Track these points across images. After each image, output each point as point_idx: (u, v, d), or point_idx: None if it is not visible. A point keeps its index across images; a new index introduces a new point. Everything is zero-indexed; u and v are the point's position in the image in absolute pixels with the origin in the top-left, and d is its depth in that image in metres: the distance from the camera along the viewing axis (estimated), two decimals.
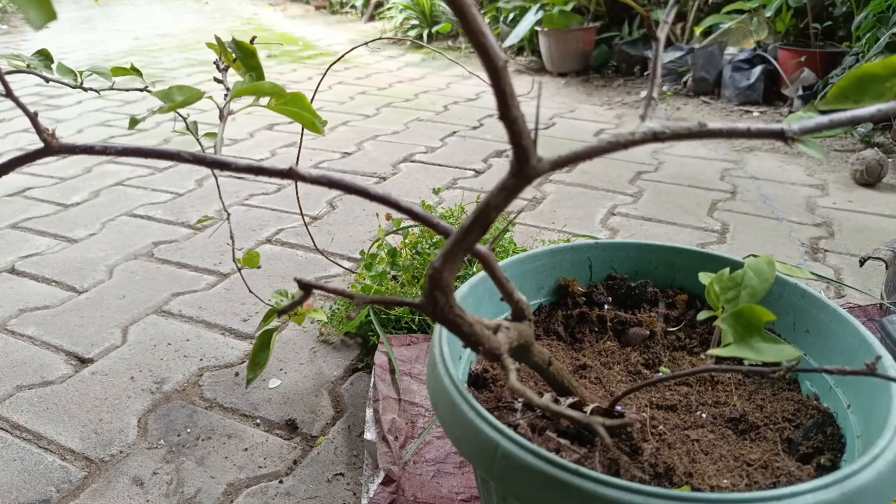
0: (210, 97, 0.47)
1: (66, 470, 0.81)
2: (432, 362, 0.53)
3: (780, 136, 0.39)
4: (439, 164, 1.88)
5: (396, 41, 3.93)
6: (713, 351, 0.42)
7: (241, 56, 0.49)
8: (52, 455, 0.83)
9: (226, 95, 0.47)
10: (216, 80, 0.50)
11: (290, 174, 0.42)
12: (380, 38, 0.54)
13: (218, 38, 0.50)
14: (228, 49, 0.49)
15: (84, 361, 1.02)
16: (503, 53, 0.28)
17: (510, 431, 0.44)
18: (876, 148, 1.79)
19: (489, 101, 2.60)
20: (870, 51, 1.96)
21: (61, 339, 1.08)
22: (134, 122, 0.44)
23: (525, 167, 0.34)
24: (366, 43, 0.53)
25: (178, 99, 0.45)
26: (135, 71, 0.46)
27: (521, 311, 0.48)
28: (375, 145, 2.07)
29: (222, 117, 0.46)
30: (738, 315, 0.42)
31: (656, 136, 0.36)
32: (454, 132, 2.19)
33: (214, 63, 0.51)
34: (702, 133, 0.38)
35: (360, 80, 3.03)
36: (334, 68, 3.16)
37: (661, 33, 0.41)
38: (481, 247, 0.46)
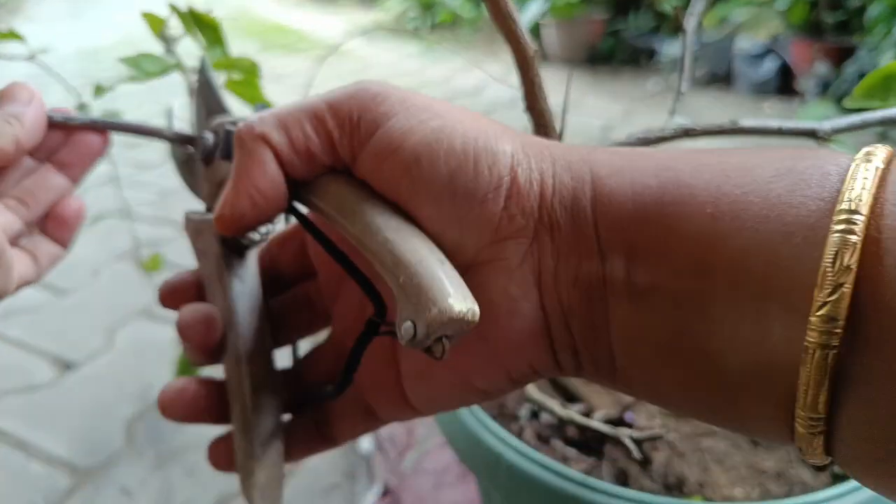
0: (182, 69, 0.44)
1: (52, 478, 0.78)
2: None
3: (812, 134, 0.38)
4: None
5: (395, 32, 3.89)
6: None
7: (200, 28, 0.45)
8: (37, 463, 0.80)
9: (194, 70, 0.43)
10: (167, 51, 0.46)
11: None
12: (378, 30, 0.51)
13: (172, 5, 0.45)
14: (185, 17, 0.45)
15: (69, 366, 0.99)
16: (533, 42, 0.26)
17: (515, 441, 0.42)
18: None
19: (492, 94, 2.56)
20: (883, 43, 1.92)
21: (46, 344, 1.05)
22: (100, 89, 0.41)
23: None
24: (363, 34, 0.49)
25: (149, 69, 0.42)
26: (14, 35, 0.43)
27: None
28: None
29: (192, 94, 0.42)
30: None
31: (687, 133, 0.35)
32: None
33: (161, 35, 0.47)
34: (734, 130, 0.36)
35: (357, 72, 2.99)
36: (330, 60, 3.13)
37: (688, 25, 0.38)
38: None
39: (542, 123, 0.28)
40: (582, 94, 2.58)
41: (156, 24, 0.43)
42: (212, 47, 0.39)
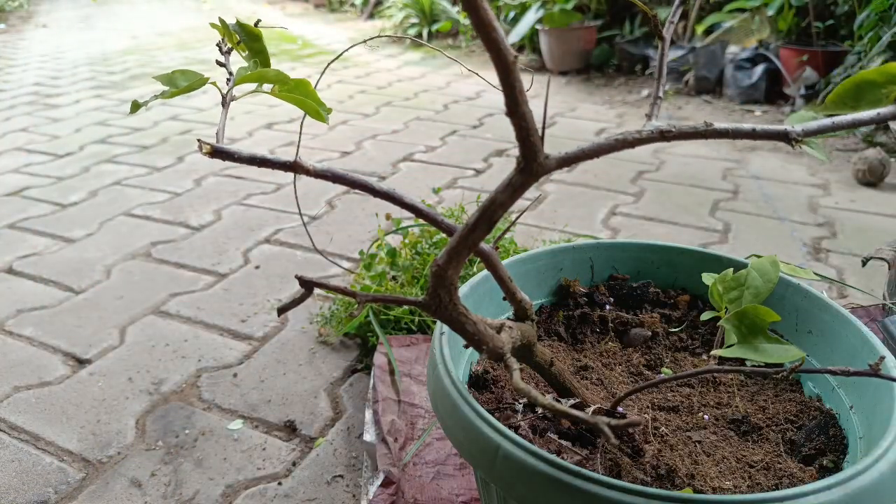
0: (213, 83, 0.47)
1: (63, 471, 0.80)
2: (433, 363, 0.53)
3: (785, 137, 0.39)
4: (439, 164, 1.88)
5: (396, 40, 3.92)
6: (716, 352, 0.42)
7: (245, 39, 0.48)
8: (49, 456, 0.83)
9: (228, 80, 0.46)
10: (219, 63, 0.49)
11: (294, 167, 0.42)
12: (379, 37, 0.54)
13: (221, 20, 0.49)
14: (232, 31, 0.48)
15: (82, 362, 1.02)
16: (513, 49, 0.28)
17: (511, 433, 0.44)
18: (878, 147, 1.79)
19: (489, 99, 2.59)
20: (872, 50, 1.95)
21: (59, 340, 1.07)
22: (136, 105, 0.43)
23: (532, 164, 0.33)
24: (365, 41, 0.52)
25: (181, 84, 0.44)
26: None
27: (524, 311, 0.48)
28: (375, 144, 2.07)
29: (225, 103, 0.45)
30: (741, 315, 0.42)
31: (663, 135, 0.36)
32: (454, 131, 2.18)
33: (217, 45, 0.50)
34: (708, 132, 0.37)
35: (359, 78, 3.02)
36: (333, 67, 3.16)
37: (667, 32, 0.40)
38: (485, 245, 0.46)
39: (522, 127, 0.30)
40: (577, 99, 2.62)
41: (223, 32, 0.46)
42: (253, 57, 0.42)
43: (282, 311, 0.39)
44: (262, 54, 0.48)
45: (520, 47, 3.39)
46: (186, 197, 1.67)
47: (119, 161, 1.93)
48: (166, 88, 0.42)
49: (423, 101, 2.59)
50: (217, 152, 0.40)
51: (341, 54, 0.58)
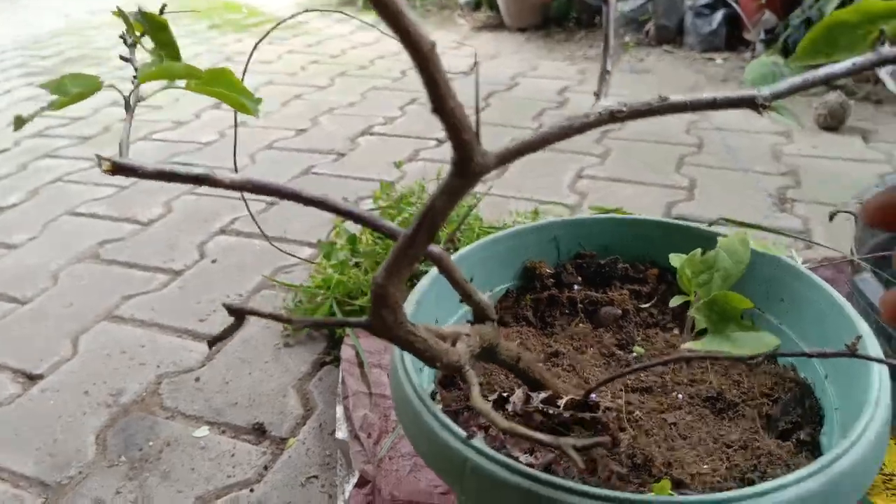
0: (112, 85, 0.41)
1: (20, 498, 0.76)
2: (394, 369, 0.50)
3: (751, 103, 0.35)
4: (399, 136, 1.81)
5: (348, 1, 3.75)
6: (688, 345, 0.40)
7: (149, 29, 0.43)
8: (3, 483, 0.78)
9: (134, 79, 0.41)
10: (122, 58, 0.44)
11: (206, 180, 0.37)
12: (322, 9, 0.48)
13: (119, 9, 0.43)
14: (136, 21, 0.43)
15: (33, 378, 0.96)
16: (429, 36, 0.23)
17: (480, 444, 0.41)
18: (839, 91, 1.79)
19: (447, 63, 2.51)
20: None
21: (6, 356, 1.01)
22: (20, 121, 0.38)
23: (468, 165, 0.29)
24: (313, 9, 0.47)
25: (72, 91, 0.39)
26: None
27: (483, 313, 0.45)
28: (331, 119, 1.98)
29: (128, 108, 0.40)
30: (712, 303, 0.40)
31: (613, 117, 0.33)
32: (413, 100, 2.10)
33: (120, 37, 0.44)
34: (663, 108, 0.34)
35: (310, 47, 2.89)
36: (283, 36, 3.01)
37: None
38: (436, 247, 0.42)
39: (452, 125, 0.27)
40: (538, 56, 2.55)
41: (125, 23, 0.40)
42: (161, 50, 0.37)
43: (212, 343, 0.35)
44: (169, 46, 0.42)
45: (476, 4, 3.28)
46: (133, 190, 1.58)
47: (59, 155, 1.82)
48: (55, 98, 0.37)
49: (380, 69, 2.49)
50: (119, 169, 0.35)
51: (283, 21, 0.52)
